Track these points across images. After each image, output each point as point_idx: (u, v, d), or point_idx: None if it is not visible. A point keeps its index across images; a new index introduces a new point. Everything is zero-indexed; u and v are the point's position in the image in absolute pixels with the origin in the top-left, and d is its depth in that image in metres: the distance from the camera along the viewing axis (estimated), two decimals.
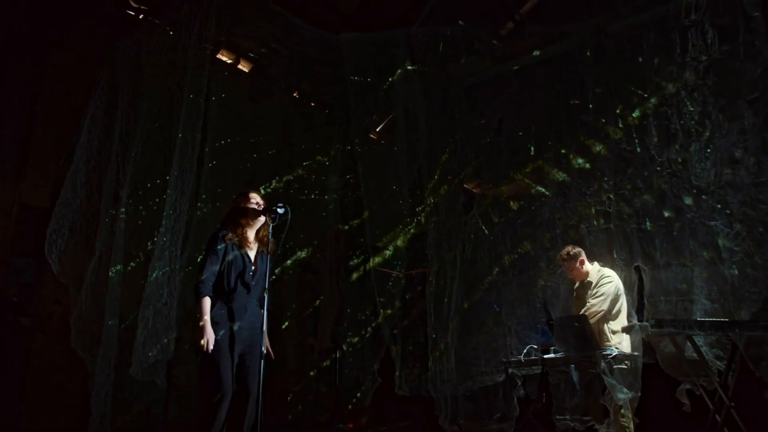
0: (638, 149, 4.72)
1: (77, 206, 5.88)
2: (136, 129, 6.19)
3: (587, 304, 4.71)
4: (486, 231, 5.55)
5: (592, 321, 4.45)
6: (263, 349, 3.70)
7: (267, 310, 3.78)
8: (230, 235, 3.92)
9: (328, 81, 8.15)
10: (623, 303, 4.69)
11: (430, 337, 5.62)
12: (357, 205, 6.96)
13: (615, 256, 4.72)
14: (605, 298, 4.63)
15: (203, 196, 6.25)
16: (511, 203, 5.40)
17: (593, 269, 4.86)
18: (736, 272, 4.48)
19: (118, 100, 6.29)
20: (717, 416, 4.29)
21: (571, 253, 4.84)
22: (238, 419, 3.66)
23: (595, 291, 4.72)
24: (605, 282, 4.71)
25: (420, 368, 5.86)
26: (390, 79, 6.89)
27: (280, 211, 3.98)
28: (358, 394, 6.80)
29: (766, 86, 4.48)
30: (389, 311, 5.95)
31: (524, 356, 4.82)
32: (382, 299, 5.95)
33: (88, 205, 5.96)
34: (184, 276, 5.71)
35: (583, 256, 4.83)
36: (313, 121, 8.47)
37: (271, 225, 4.03)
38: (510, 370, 5.02)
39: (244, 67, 7.95)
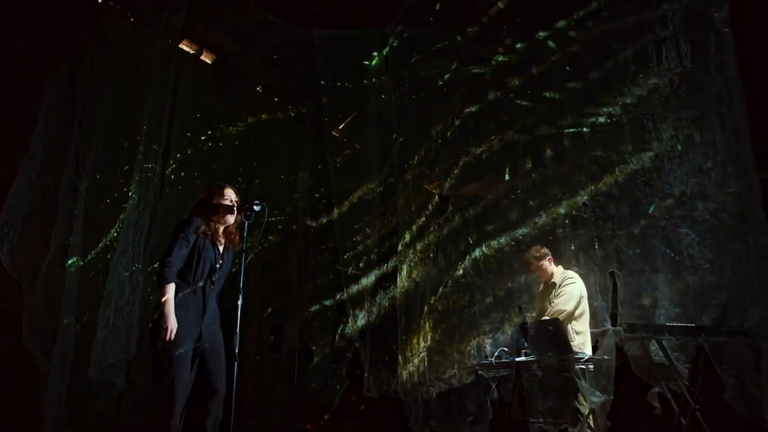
0: (613, 157, 4.81)
1: (32, 197, 5.59)
2: (97, 119, 5.94)
3: (552, 304, 4.79)
4: (460, 232, 5.55)
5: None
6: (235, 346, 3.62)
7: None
8: (203, 227, 3.77)
9: (296, 76, 8.05)
10: (586, 305, 4.78)
11: (400, 339, 5.59)
12: (327, 202, 6.87)
13: (590, 261, 4.79)
14: (569, 298, 4.72)
15: (167, 191, 6.05)
16: (487, 205, 5.42)
17: (558, 271, 4.96)
18: (698, 279, 4.63)
19: (78, 88, 6.02)
20: (682, 419, 4.45)
21: (540, 252, 4.94)
22: (202, 419, 3.50)
23: (559, 291, 4.82)
24: (569, 283, 4.81)
25: (389, 370, 5.82)
26: (363, 77, 6.85)
27: (257, 208, 3.87)
28: (320, 394, 6.72)
29: (731, 101, 4.66)
30: (358, 312, 5.90)
31: (495, 359, 4.86)
32: (351, 299, 5.90)
33: (44, 196, 5.69)
34: (147, 273, 5.50)
35: (550, 257, 4.93)
36: (278, 116, 8.32)
37: (246, 223, 3.91)
38: (480, 372, 5.05)
39: (206, 58, 7.75)
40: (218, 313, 3.73)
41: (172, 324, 3.39)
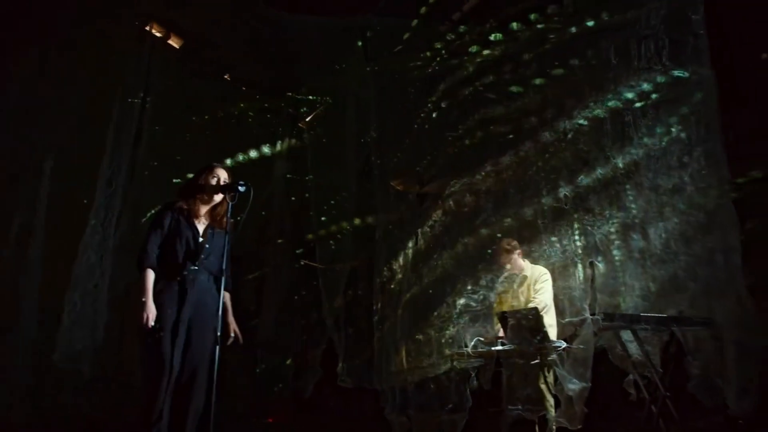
0: (594, 150, 4.92)
1: None
2: (66, 99, 5.69)
3: (533, 298, 4.86)
4: (441, 223, 5.57)
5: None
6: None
7: (228, 291, 3.60)
8: (181, 203, 3.69)
9: (268, 64, 7.91)
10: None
11: (376, 328, 5.57)
12: (303, 191, 6.77)
13: (570, 251, 4.88)
14: (548, 293, 4.81)
15: (139, 173, 5.85)
16: (468, 197, 5.45)
17: (527, 265, 5.05)
18: (670, 272, 4.78)
19: (48, 67, 5.77)
20: (653, 406, 4.58)
21: (511, 244, 5.02)
22: (183, 406, 3.39)
23: (538, 287, 4.89)
24: (545, 279, 4.90)
25: (363, 359, 5.78)
26: (341, 67, 6.80)
27: (242, 188, 3.77)
28: (280, 385, 6.63)
29: (706, 99, 4.83)
30: (333, 301, 5.85)
31: (472, 348, 4.89)
32: (326, 288, 5.84)
33: (5, 175, 5.43)
34: (117, 257, 5.31)
35: (520, 250, 5.03)
36: (247, 105, 8.16)
37: (230, 203, 3.81)
38: (455, 363, 5.08)
39: (174, 42, 7.53)
40: (215, 295, 3.53)
41: (151, 311, 3.34)
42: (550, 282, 4.87)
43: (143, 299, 3.35)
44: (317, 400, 6.14)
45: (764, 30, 5.87)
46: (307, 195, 6.62)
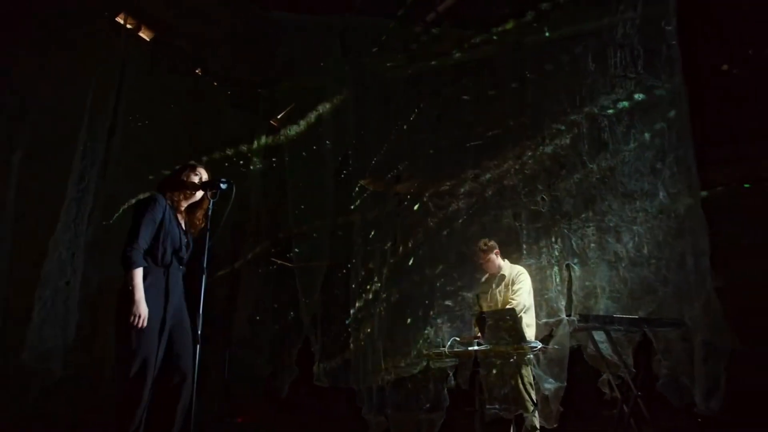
0: (571, 154, 5.02)
1: None
2: (35, 88, 5.52)
3: (511, 299, 4.92)
4: (419, 224, 5.61)
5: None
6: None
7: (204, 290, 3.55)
8: (168, 198, 3.62)
9: (243, 59, 7.82)
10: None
11: (353, 328, 5.57)
12: (279, 191, 6.71)
13: (547, 253, 4.97)
14: (526, 292, 4.89)
15: (112, 168, 5.70)
16: (446, 198, 5.50)
17: (505, 265, 5.12)
18: (641, 274, 4.91)
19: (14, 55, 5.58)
20: (624, 406, 4.70)
21: (488, 245, 5.06)
22: (171, 406, 3.34)
23: (516, 288, 4.95)
24: (523, 279, 4.97)
25: (340, 359, 5.78)
26: (319, 65, 6.76)
27: (224, 186, 3.76)
28: (255, 384, 6.56)
29: (678, 107, 4.98)
30: (310, 300, 5.83)
31: (448, 348, 4.93)
32: (303, 287, 5.81)
33: None
34: (89, 254, 5.18)
35: (497, 250, 5.07)
36: (219, 102, 8.04)
37: (211, 201, 3.78)
38: (430, 363, 5.13)
39: (145, 35, 7.37)
40: (183, 294, 3.59)
41: (144, 311, 3.24)
42: (528, 281, 4.94)
43: (136, 298, 3.24)
44: (293, 399, 6.10)
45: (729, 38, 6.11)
46: (283, 192, 6.56)
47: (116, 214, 5.50)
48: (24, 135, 5.28)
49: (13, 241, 4.99)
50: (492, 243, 5.10)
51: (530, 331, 4.77)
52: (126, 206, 5.62)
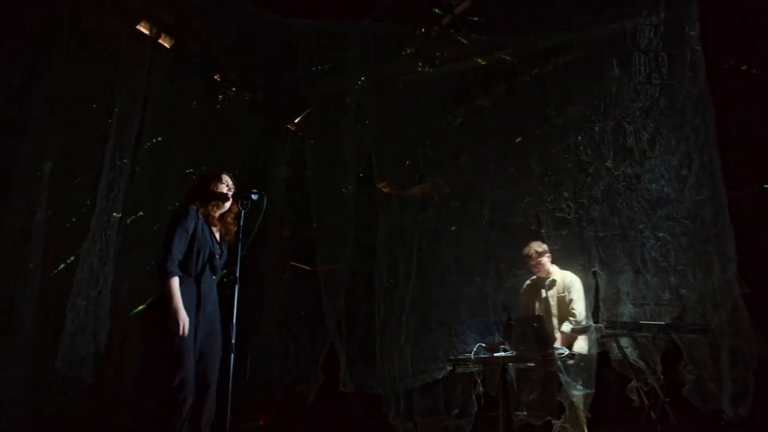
0: (596, 161, 5.03)
1: None
2: (62, 97, 5.59)
3: (572, 309, 4.90)
4: (441, 228, 5.64)
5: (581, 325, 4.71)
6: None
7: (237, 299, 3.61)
8: (201, 209, 3.69)
9: (261, 65, 7.86)
10: None
11: (379, 333, 5.61)
12: (303, 195, 6.76)
13: (574, 260, 4.99)
14: (582, 302, 4.92)
15: (139, 176, 5.77)
16: (471, 203, 5.53)
17: (555, 269, 5.12)
18: (666, 280, 4.91)
19: (39, 64, 5.65)
20: (652, 412, 4.70)
21: (540, 248, 5.07)
22: (197, 412, 3.43)
23: (574, 297, 4.94)
24: (578, 287, 4.97)
25: (366, 365, 5.81)
26: (339, 71, 6.79)
27: (255, 197, 3.84)
28: (280, 390, 6.61)
29: (703, 114, 4.97)
30: (334, 305, 5.87)
31: (474, 354, 4.96)
32: (328, 293, 5.86)
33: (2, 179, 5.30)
34: (117, 262, 5.25)
35: (549, 254, 5.08)
36: (238, 107, 8.09)
37: (242, 212, 3.84)
38: (456, 368, 5.15)
39: (165, 42, 7.43)
40: (218, 303, 3.65)
41: (184, 319, 3.32)
42: (581, 288, 4.94)
43: (175, 307, 3.32)
44: (320, 405, 6.15)
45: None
46: (305, 197, 6.61)
47: (131, 217, 5.52)
48: (54, 146, 5.35)
49: (46, 251, 5.06)
50: (544, 246, 5.09)
51: (581, 342, 4.77)
52: (141, 213, 5.71)
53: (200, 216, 3.67)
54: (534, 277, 5.19)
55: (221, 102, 7.74)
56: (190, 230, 3.58)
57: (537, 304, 5.06)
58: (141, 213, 5.79)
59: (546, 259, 5.07)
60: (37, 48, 5.72)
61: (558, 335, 4.83)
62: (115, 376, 5.42)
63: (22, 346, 4.92)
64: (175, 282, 3.38)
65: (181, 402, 3.26)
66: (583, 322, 4.73)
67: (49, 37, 5.67)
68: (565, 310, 4.91)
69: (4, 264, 5.04)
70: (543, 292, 5.08)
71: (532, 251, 5.06)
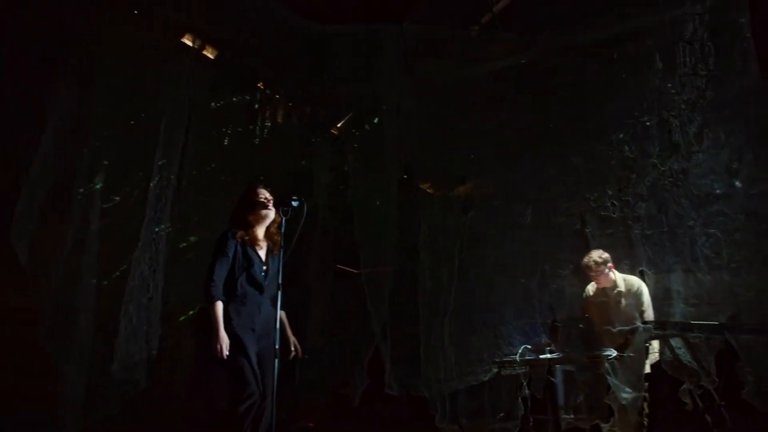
0: (641, 157, 4.90)
1: (45, 189, 5.43)
2: (109, 114, 5.80)
3: (644, 310, 4.79)
4: (484, 229, 5.60)
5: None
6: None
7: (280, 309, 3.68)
8: (240, 233, 3.77)
9: (302, 73, 7.96)
10: None
11: (423, 336, 5.61)
12: (345, 200, 6.82)
13: (620, 260, 4.87)
14: (650, 305, 4.80)
15: (184, 185, 5.94)
16: (514, 205, 5.47)
17: (619, 277, 4.92)
18: (719, 278, 4.74)
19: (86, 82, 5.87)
20: (707, 416, 4.54)
21: (601, 258, 4.83)
22: (256, 420, 3.53)
23: (644, 300, 4.81)
24: (646, 292, 4.83)
25: (410, 367, 5.82)
26: (377, 74, 6.82)
27: (295, 204, 3.86)
28: (326, 394, 6.68)
29: (755, 103, 4.78)
30: (379, 309, 5.90)
31: (519, 356, 4.90)
32: (372, 296, 5.90)
33: (59, 190, 5.54)
34: (168, 269, 5.42)
35: (611, 263, 4.86)
36: (278, 113, 8.21)
37: (283, 219, 3.89)
38: (502, 370, 5.10)
39: (209, 53, 7.60)
40: (274, 318, 3.65)
41: (224, 341, 3.46)
42: (648, 293, 4.82)
43: (216, 329, 3.47)
44: (365, 407, 6.19)
45: None
46: (346, 202, 6.67)
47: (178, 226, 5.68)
48: (104, 161, 5.56)
49: (99, 261, 5.27)
50: (606, 256, 4.85)
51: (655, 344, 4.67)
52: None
53: (239, 239, 3.74)
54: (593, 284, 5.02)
55: (263, 109, 7.88)
56: (230, 255, 3.70)
57: (607, 312, 4.86)
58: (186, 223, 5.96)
59: (608, 269, 4.83)
60: (88, 63, 5.95)
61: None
62: (167, 380, 5.60)
63: (80, 352, 5.14)
64: (218, 306, 3.54)
65: (244, 413, 3.42)
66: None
67: (100, 51, 5.89)
68: (637, 317, 4.76)
69: (63, 273, 5.27)
70: (611, 301, 4.89)
71: (592, 262, 4.83)
